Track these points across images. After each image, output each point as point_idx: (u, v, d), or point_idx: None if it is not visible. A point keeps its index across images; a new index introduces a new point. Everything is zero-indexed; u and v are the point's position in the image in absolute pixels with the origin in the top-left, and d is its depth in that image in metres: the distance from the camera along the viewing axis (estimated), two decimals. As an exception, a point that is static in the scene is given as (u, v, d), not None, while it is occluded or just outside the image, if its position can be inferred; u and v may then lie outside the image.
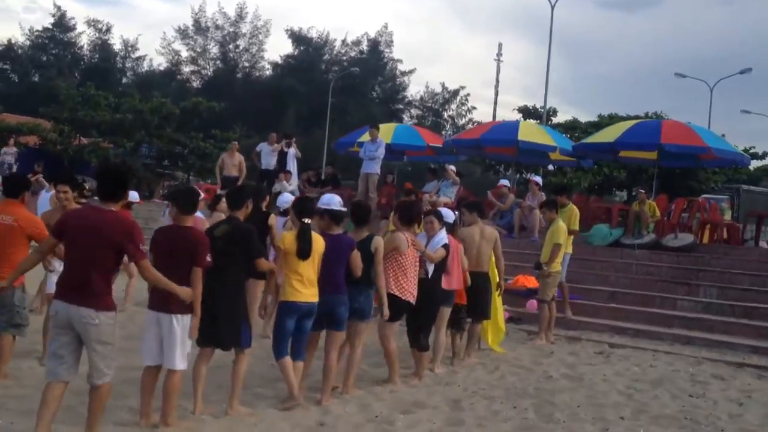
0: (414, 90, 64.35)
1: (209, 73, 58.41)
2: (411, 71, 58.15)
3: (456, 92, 57.48)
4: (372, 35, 57.40)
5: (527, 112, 36.40)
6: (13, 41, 58.32)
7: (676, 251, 13.45)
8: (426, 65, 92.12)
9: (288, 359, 6.37)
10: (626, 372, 9.07)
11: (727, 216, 18.75)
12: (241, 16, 56.99)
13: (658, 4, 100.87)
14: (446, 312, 8.26)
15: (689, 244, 13.61)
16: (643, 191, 14.57)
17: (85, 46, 60.04)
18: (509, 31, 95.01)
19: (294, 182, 17.30)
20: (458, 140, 17.82)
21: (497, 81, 53.32)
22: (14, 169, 27.00)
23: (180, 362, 5.53)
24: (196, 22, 56.99)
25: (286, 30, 57.01)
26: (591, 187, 31.51)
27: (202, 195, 8.63)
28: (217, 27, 57.14)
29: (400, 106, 58.40)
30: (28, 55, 58.66)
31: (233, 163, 17.54)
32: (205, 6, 56.62)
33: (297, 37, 56.82)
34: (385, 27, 61.22)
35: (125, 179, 5.05)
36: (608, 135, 15.94)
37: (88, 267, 4.83)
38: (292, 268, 6.30)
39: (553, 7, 29.75)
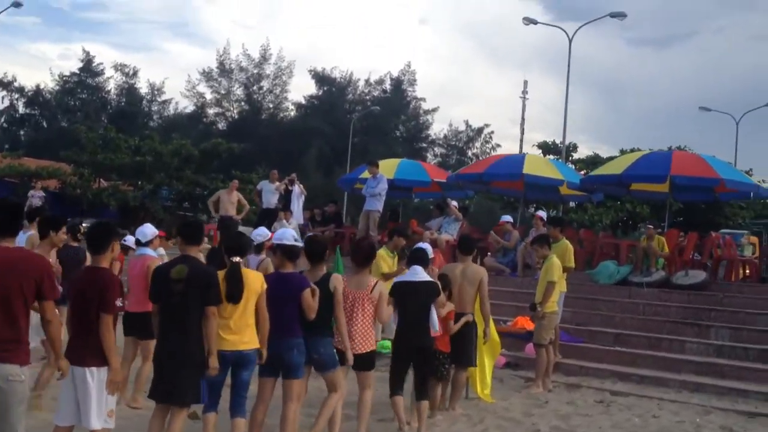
0: (438, 128, 63.76)
1: (234, 115, 58.71)
2: (434, 109, 57.80)
3: (480, 130, 57.05)
4: (395, 74, 57.34)
5: (547, 148, 35.73)
6: (42, 86, 59.26)
7: (686, 289, 12.66)
8: (450, 104, 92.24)
9: (211, 416, 5.83)
10: (625, 424, 8.40)
11: (748, 252, 17.83)
12: (264, 57, 57.30)
13: (690, 39, 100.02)
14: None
15: (701, 282, 12.82)
16: (651, 226, 13.79)
17: (112, 90, 60.84)
18: (536, 69, 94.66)
19: (294, 221, 16.82)
20: (462, 175, 17.20)
21: (522, 118, 52.94)
22: None
23: (96, 421, 5.03)
24: (221, 65, 57.43)
25: (310, 70, 57.15)
26: (614, 224, 30.60)
27: (157, 232, 8.19)
28: (241, 69, 57.54)
29: (424, 145, 58.03)
30: (57, 100, 59.46)
31: (231, 201, 17.16)
32: (230, 48, 56.71)
33: (320, 78, 56.92)
34: (408, 65, 61.07)
35: (15, 213, 4.67)
36: (616, 167, 15.18)
37: None
38: (219, 313, 5.76)
39: (570, 41, 29.44)
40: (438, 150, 58.35)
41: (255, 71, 57.72)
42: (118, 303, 5.11)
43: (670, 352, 11.01)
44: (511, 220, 15.27)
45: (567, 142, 32.54)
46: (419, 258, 7.45)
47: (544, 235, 10.26)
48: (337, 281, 6.48)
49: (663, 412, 8.94)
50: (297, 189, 17.21)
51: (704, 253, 14.60)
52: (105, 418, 5.06)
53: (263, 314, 5.83)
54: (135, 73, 60.25)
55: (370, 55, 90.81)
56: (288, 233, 6.45)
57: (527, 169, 15.33)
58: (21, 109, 61.17)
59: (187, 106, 61.32)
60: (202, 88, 57.94)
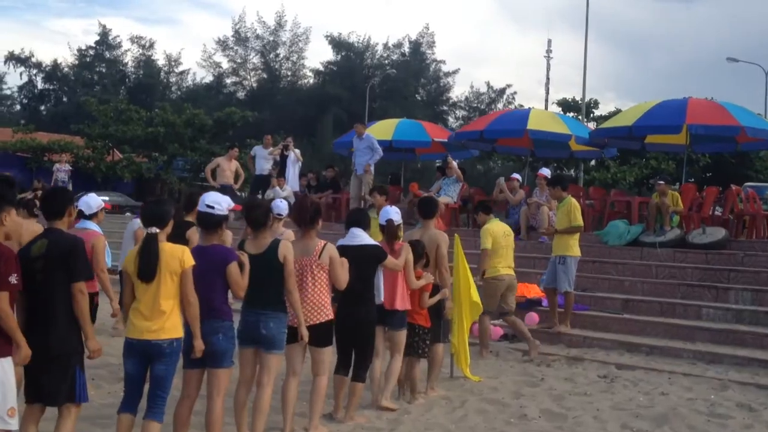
0: (459, 91, 62.03)
1: (252, 84, 57.82)
2: (454, 72, 56.44)
3: (502, 91, 55.53)
4: (413, 37, 55.94)
5: (567, 105, 34.33)
6: (59, 61, 58.79)
7: (704, 249, 11.50)
8: (472, 66, 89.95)
9: (124, 417, 4.95)
10: (628, 404, 7.41)
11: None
12: (280, 24, 56.18)
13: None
14: (400, 335, 6.85)
15: (719, 241, 11.61)
16: (662, 181, 12.55)
17: (129, 63, 60.13)
18: (559, 29, 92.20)
19: (288, 188, 15.92)
20: (462, 133, 16.00)
21: (547, 78, 51.86)
22: (69, 186, 25.62)
23: None
24: (236, 33, 56.40)
25: (326, 36, 55.95)
26: (639, 181, 29.22)
27: (103, 203, 7.31)
28: (257, 37, 56.47)
29: (445, 108, 56.74)
30: (75, 75, 58.98)
31: (230, 168, 16.08)
32: (245, 16, 55.64)
33: (337, 43, 55.67)
34: (426, 28, 59.34)
35: None
36: (626, 118, 13.79)
37: None
38: (133, 295, 4.87)
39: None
40: (459, 113, 57.05)
41: (271, 38, 56.68)
42: (12, 279, 4.27)
43: (684, 319, 9.98)
44: (520, 177, 14.16)
45: (588, 99, 31.13)
46: (357, 220, 6.61)
47: (559, 177, 9.58)
48: (287, 249, 5.57)
49: (673, 388, 7.96)
50: (292, 155, 16.25)
51: (725, 208, 13.36)
52: (4, 417, 4.30)
53: (187, 298, 4.92)
54: (151, 45, 59.64)
55: (387, 18, 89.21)
56: (217, 199, 5.50)
57: (531, 125, 14.15)
58: (39, 84, 60.98)
59: (204, 76, 60.70)
60: (219, 57, 57.17)
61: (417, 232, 7.51)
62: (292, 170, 16.12)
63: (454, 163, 14.62)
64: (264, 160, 16.53)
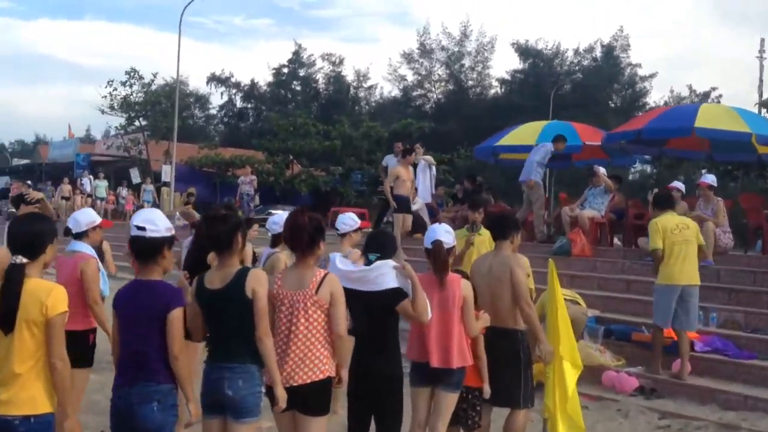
0: (657, 96, 57.24)
1: (437, 96, 57.11)
2: (652, 75, 52.44)
3: (707, 94, 50.62)
4: (606, 41, 52.60)
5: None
6: (255, 81, 61.36)
7: None
8: (674, 70, 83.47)
9: None
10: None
11: None
12: (465, 34, 55.00)
13: None
14: (451, 399, 5.10)
15: None
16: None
17: (320, 79, 61.54)
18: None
19: (420, 200, 14.35)
20: (615, 134, 13.56)
21: (760, 80, 46.53)
22: (256, 201, 25.56)
23: None
24: (422, 45, 55.97)
25: (512, 44, 54.01)
26: None
27: (97, 220, 6.15)
28: (442, 48, 55.69)
29: (641, 114, 52.65)
30: (270, 93, 61.28)
31: (410, 177, 13.58)
32: (429, 27, 55.03)
33: (523, 51, 53.65)
34: (621, 30, 55.48)
35: None
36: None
37: None
38: None
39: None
40: (658, 119, 52.64)
41: (456, 49, 55.60)
42: None
43: None
44: (682, 187, 11.59)
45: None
46: (379, 244, 4.89)
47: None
48: (257, 281, 4.09)
49: None
50: (422, 162, 14.67)
51: None
52: None
53: (54, 364, 3.56)
54: (341, 62, 60.69)
55: (578, 23, 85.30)
56: (153, 216, 4.13)
57: (700, 122, 11.57)
58: (239, 103, 64.01)
59: (391, 90, 60.79)
60: (404, 70, 56.95)
61: (488, 258, 5.73)
62: (422, 179, 14.53)
63: (602, 171, 12.37)
64: (396, 169, 15.08)
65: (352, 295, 4.51)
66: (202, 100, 67.51)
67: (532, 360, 5.64)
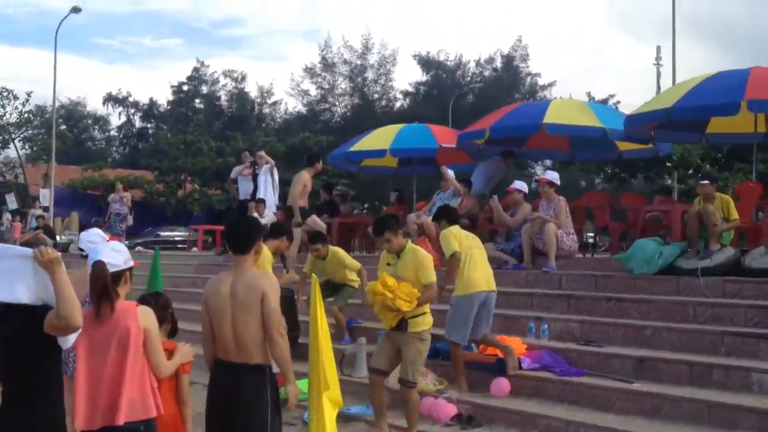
0: (558, 103, 57.77)
1: (341, 110, 56.33)
2: (551, 84, 52.84)
3: (605, 101, 51.07)
4: (506, 51, 52.91)
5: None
6: (155, 99, 59.38)
7: (765, 277, 7.89)
8: (574, 78, 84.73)
9: None
10: None
11: None
12: (367, 47, 54.39)
13: None
14: None
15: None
16: (706, 181, 8.93)
17: (223, 96, 59.98)
18: (667, 34, 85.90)
19: (270, 214, 13.28)
20: (464, 134, 12.75)
21: (658, 87, 47.39)
22: (129, 221, 23.50)
23: None
24: (323, 59, 55.06)
25: (414, 56, 53.77)
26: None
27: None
28: (344, 62, 54.90)
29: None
30: (170, 112, 59.34)
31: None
32: (331, 41, 54.31)
33: (426, 62, 53.43)
34: (519, 40, 55.92)
35: None
36: (667, 98, 10.04)
37: None
38: None
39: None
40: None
41: (358, 62, 54.88)
42: None
43: (724, 390, 6.48)
44: (524, 188, 10.78)
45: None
46: None
47: (446, 208, 6.63)
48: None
49: None
50: (265, 167, 13.58)
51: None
52: None
53: None
54: (243, 78, 59.27)
55: (479, 34, 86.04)
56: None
57: (550, 117, 10.83)
58: (138, 123, 61.73)
59: (296, 105, 59.63)
60: (307, 85, 55.88)
61: (228, 278, 4.62)
62: (267, 189, 13.43)
63: (450, 173, 11.55)
64: (247, 182, 14.02)
65: None
66: (101, 122, 65.15)
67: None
